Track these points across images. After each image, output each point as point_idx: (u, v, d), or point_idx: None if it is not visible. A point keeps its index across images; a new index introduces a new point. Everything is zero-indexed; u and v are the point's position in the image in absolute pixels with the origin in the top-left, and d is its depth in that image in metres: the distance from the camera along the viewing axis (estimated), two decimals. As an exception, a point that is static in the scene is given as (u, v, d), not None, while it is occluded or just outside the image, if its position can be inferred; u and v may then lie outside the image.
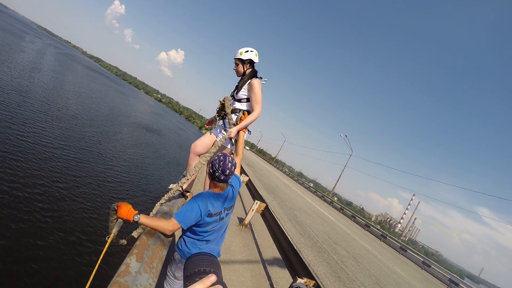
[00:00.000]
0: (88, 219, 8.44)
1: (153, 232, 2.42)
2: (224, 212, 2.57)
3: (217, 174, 2.38)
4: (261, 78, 3.50)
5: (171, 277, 2.52)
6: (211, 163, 2.43)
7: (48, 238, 6.94)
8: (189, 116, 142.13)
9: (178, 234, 2.57)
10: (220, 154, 2.43)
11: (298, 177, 64.67)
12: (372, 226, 30.55)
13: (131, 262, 1.93)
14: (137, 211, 2.23)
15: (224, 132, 3.47)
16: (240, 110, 3.48)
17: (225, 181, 2.45)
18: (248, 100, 3.43)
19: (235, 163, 2.46)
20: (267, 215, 7.47)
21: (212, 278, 0.63)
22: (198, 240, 2.55)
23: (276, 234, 6.35)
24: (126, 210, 2.20)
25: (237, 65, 3.53)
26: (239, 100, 3.49)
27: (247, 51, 3.46)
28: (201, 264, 1.14)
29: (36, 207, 7.74)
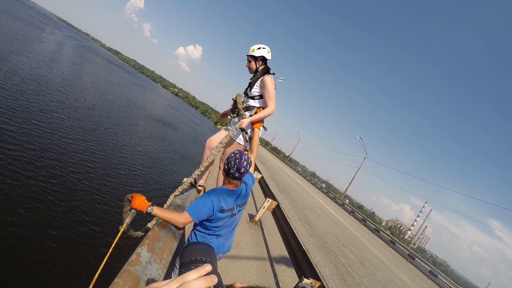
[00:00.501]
0: (100, 210, 8.49)
1: (165, 224, 2.44)
2: (236, 208, 2.58)
3: (232, 171, 2.38)
4: (273, 74, 3.45)
5: (179, 268, 2.54)
6: (227, 160, 2.43)
7: (59, 227, 6.95)
8: (205, 111, 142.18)
9: (189, 226, 2.58)
10: (236, 152, 2.43)
11: (311, 177, 64.31)
12: (382, 231, 30.17)
13: (142, 252, 1.95)
14: (150, 203, 2.25)
15: (238, 130, 3.43)
16: (253, 107, 3.45)
17: (240, 178, 2.46)
18: (261, 97, 3.40)
19: (251, 161, 2.46)
20: (278, 213, 7.46)
21: (208, 267, 0.63)
22: (209, 234, 2.56)
23: (286, 233, 6.33)
24: (140, 201, 2.22)
25: (249, 62, 3.50)
26: (252, 97, 3.46)
27: (259, 48, 3.42)
28: (197, 253, 1.14)
29: (49, 195, 7.80)
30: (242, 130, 3.40)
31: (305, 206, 16.90)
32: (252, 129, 3.33)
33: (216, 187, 2.64)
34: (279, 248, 6.89)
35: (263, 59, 3.46)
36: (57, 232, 6.71)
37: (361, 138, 40.79)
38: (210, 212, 2.38)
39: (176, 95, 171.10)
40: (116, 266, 6.01)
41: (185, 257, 1.06)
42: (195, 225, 2.58)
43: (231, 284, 0.70)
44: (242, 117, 3.40)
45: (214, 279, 0.58)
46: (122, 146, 15.67)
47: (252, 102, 3.47)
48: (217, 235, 2.56)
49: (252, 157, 3.05)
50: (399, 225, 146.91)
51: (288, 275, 5.71)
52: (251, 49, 3.45)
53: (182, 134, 36.36)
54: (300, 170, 69.33)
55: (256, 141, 3.25)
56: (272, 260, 6.00)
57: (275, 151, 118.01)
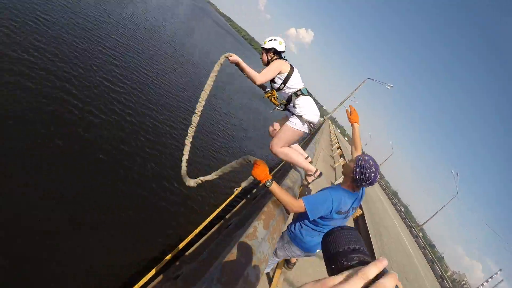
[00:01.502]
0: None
1: (278, 203, 2.34)
2: (351, 211, 2.42)
3: (363, 183, 2.17)
4: (285, 59, 3.32)
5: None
6: (360, 168, 2.17)
7: (143, 177, 6.65)
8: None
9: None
10: (372, 163, 2.16)
11: (392, 195, 59.99)
12: (446, 280, 27.09)
13: (259, 227, 1.87)
14: (271, 176, 2.15)
15: (293, 116, 3.20)
16: (289, 95, 3.22)
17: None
18: (284, 83, 3.17)
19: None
20: (360, 222, 7.06)
21: (385, 261, 0.53)
22: (315, 230, 2.44)
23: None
24: (263, 172, 2.13)
25: (262, 54, 3.42)
26: (278, 89, 3.29)
27: (270, 40, 3.30)
28: (353, 241, 0.96)
29: (136, 140, 7.70)
30: (300, 117, 3.12)
31: (381, 223, 15.83)
32: (352, 125, 2.96)
33: (338, 186, 2.44)
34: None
35: (275, 51, 3.30)
36: (140, 185, 6.45)
37: (457, 173, 36.21)
38: (326, 212, 2.23)
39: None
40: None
41: (340, 245, 0.87)
42: (303, 216, 2.46)
43: None
44: (290, 111, 3.28)
45: (396, 276, 0.50)
46: (218, 112, 15.60)
47: (283, 93, 3.32)
48: (324, 233, 2.40)
49: (356, 154, 2.74)
50: (463, 283, 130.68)
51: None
52: (264, 42, 3.39)
53: (277, 113, 35.05)
54: (383, 184, 65.13)
55: (358, 135, 2.91)
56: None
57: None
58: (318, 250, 2.61)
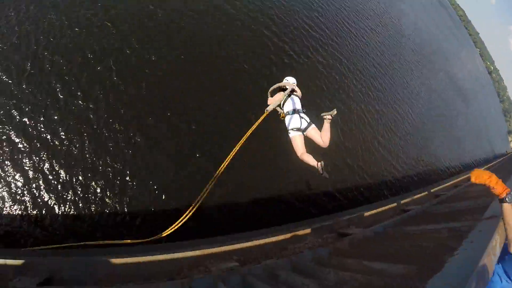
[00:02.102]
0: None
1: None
2: None
3: None
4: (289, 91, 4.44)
5: None
6: None
7: None
8: (507, 110, 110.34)
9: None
10: None
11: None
12: None
13: (497, 243, 1.70)
14: (510, 189, 1.77)
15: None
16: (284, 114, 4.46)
17: None
18: (281, 107, 4.47)
19: None
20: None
21: None
22: (508, 277, 2.09)
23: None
24: (498, 182, 1.81)
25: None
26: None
27: (285, 80, 4.78)
28: None
29: None
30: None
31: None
32: None
33: None
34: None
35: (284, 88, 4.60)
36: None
37: None
38: None
39: (490, 73, 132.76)
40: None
41: None
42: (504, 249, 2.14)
43: None
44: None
45: None
46: (400, 97, 13.58)
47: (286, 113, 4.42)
48: None
49: None
50: None
51: None
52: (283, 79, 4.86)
53: (470, 114, 28.03)
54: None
55: None
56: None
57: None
58: None
